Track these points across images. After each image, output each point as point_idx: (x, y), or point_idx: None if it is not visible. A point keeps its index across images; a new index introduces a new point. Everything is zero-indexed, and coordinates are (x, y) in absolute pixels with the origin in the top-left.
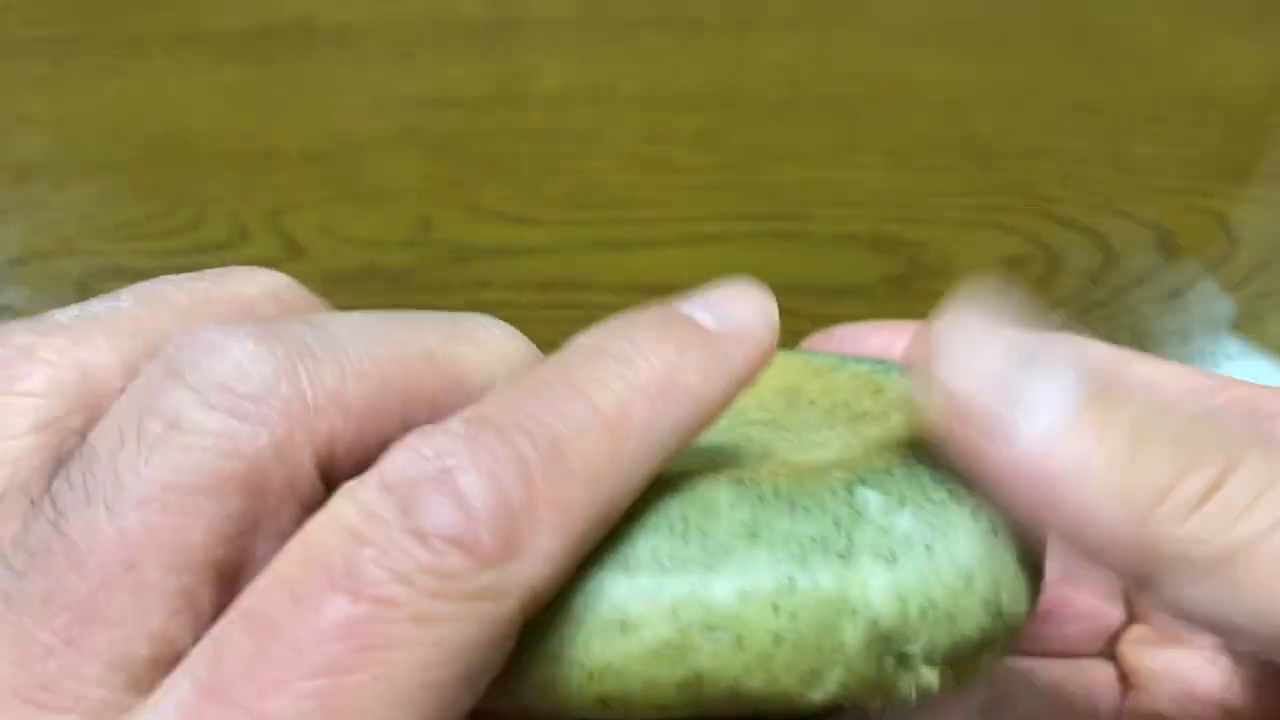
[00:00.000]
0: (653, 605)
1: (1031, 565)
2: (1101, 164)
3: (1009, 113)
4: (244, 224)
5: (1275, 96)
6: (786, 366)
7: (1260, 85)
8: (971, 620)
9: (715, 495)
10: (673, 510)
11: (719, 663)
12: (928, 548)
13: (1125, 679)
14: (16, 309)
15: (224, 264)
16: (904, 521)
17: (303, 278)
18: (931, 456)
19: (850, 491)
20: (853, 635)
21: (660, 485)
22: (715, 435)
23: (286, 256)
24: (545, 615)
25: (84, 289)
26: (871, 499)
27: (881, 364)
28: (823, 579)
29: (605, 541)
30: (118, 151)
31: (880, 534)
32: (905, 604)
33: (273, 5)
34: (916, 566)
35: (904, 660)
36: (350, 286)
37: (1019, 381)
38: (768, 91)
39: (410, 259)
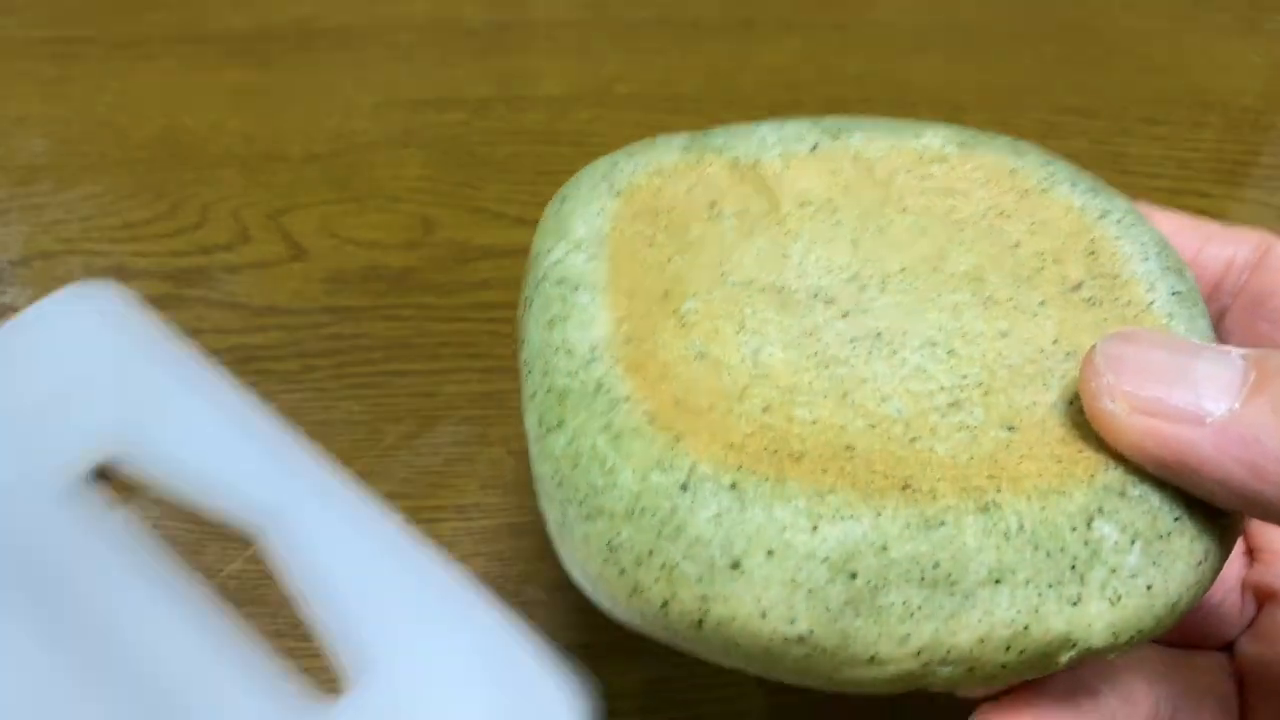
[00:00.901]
0: (901, 649)
1: (1221, 563)
2: (1099, 165)
3: (1007, 114)
4: (246, 225)
5: (1272, 98)
6: (993, 171)
7: (1257, 86)
8: (1161, 627)
9: (964, 538)
10: (924, 553)
11: (948, 681)
12: (1148, 588)
13: (1251, 552)
14: (19, 309)
15: (226, 265)
16: (1132, 559)
17: (304, 278)
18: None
19: (1089, 526)
20: (1066, 658)
21: (914, 503)
22: (932, 310)
23: (288, 257)
24: (802, 647)
25: None
26: (1107, 534)
27: (1094, 195)
28: (1054, 624)
29: (854, 579)
30: (120, 152)
31: (1110, 574)
32: (1118, 636)
33: (274, 7)
34: (1135, 606)
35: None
36: (352, 286)
37: (1193, 370)
38: (766, 93)
39: (412, 259)
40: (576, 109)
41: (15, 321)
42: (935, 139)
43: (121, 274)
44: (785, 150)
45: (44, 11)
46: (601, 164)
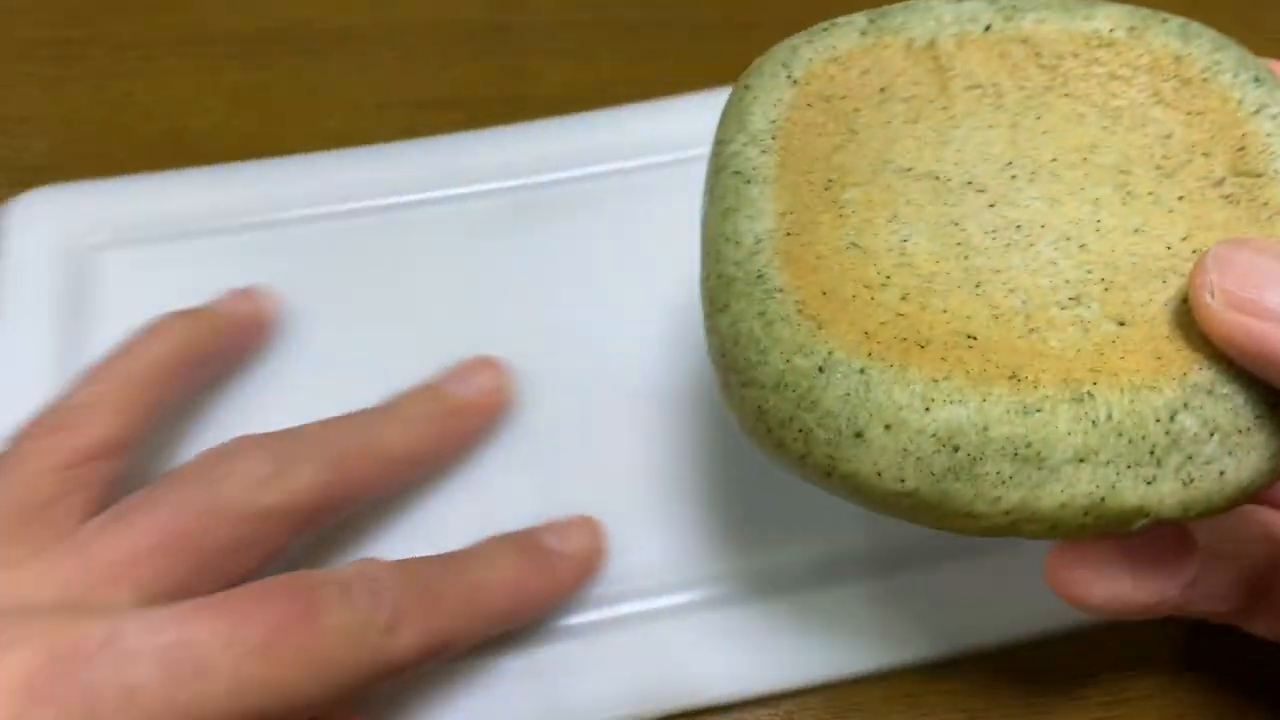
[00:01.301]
0: (992, 509)
1: None
2: None
3: None
4: None
5: None
6: (1159, 56)
7: None
8: (1233, 504)
9: (1057, 423)
10: (1019, 435)
11: (1033, 534)
12: (1221, 474)
13: None
14: None
15: None
16: (1209, 449)
17: None
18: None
19: (1172, 419)
20: (1139, 524)
21: (1017, 391)
22: (1073, 203)
23: None
24: (910, 500)
25: None
26: (1188, 425)
27: (1256, 86)
28: (1129, 498)
29: (957, 452)
30: (123, 153)
31: (1185, 460)
32: (1188, 510)
33: (275, 8)
34: (1207, 488)
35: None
36: None
37: None
38: None
39: None
40: (576, 110)
41: None
42: (1105, 22)
43: None
44: (960, 30)
45: (46, 12)
46: (782, 50)
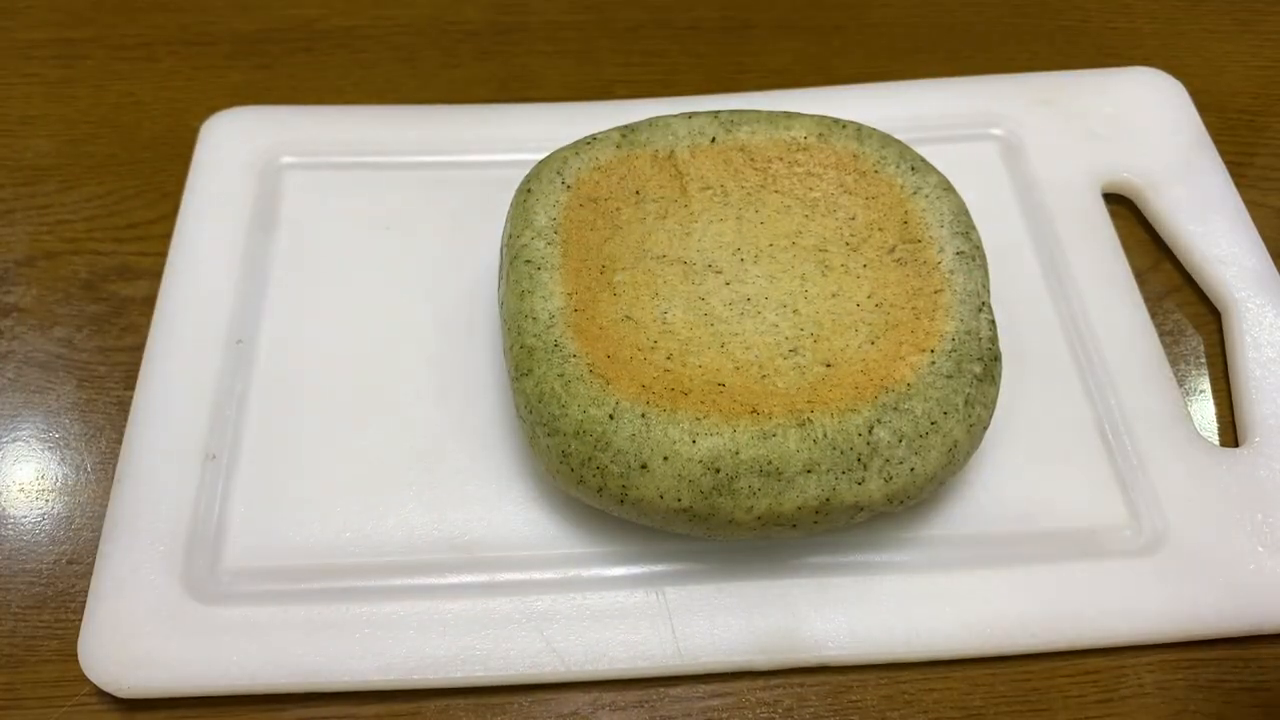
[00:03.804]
0: (748, 515)
1: (969, 448)
2: None
3: None
4: None
5: (1268, 99)
6: (842, 155)
7: (1253, 88)
8: (927, 493)
9: (788, 444)
10: (762, 455)
11: (782, 533)
12: (912, 470)
13: None
14: (24, 309)
15: None
16: (900, 452)
17: None
18: (929, 384)
19: (870, 431)
20: (859, 518)
21: (757, 422)
22: (786, 279)
23: None
24: (686, 515)
25: (91, 289)
26: (882, 436)
27: (913, 173)
28: (845, 496)
29: (719, 473)
30: (125, 153)
31: (885, 463)
32: (891, 501)
33: (278, 9)
34: (903, 480)
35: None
36: None
37: None
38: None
39: None
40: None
41: None
42: (800, 131)
43: (126, 273)
44: (693, 142)
45: (49, 13)
46: (554, 160)
